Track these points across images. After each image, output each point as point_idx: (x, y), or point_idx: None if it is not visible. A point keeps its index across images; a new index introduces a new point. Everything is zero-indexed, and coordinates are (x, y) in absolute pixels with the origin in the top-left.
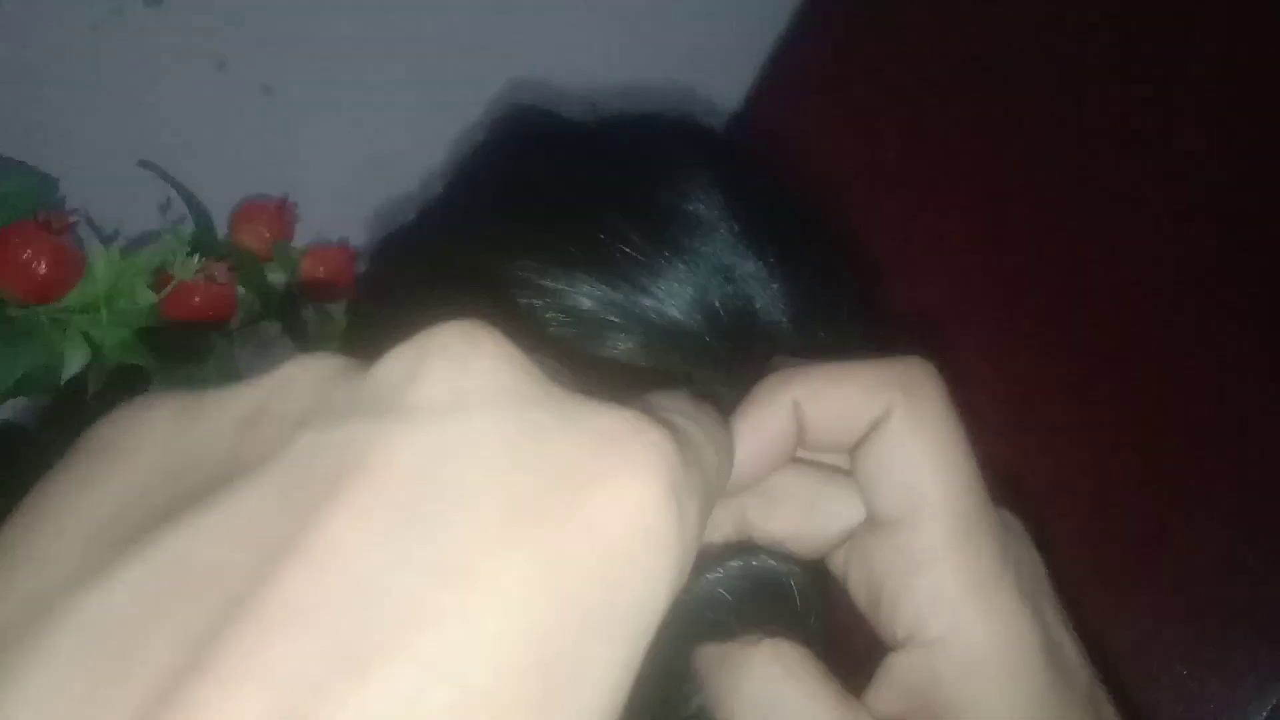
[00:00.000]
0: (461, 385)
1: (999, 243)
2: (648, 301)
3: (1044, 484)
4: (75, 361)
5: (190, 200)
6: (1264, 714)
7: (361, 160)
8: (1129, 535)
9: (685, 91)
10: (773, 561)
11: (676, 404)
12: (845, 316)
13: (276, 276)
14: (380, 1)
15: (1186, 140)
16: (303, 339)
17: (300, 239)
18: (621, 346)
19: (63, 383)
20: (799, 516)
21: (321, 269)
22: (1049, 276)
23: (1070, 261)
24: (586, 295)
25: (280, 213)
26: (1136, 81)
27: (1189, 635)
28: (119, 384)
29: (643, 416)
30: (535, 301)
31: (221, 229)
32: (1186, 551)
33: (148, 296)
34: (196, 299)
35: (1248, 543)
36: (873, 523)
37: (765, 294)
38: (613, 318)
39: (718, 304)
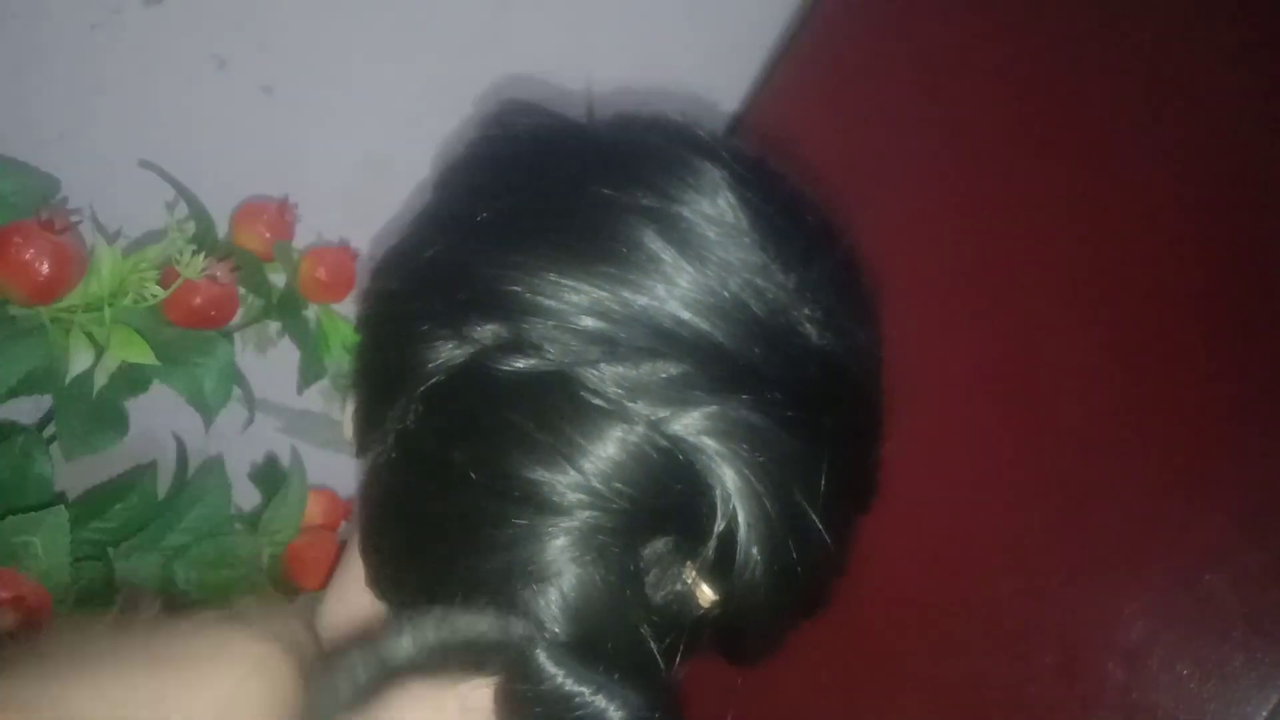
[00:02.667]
0: None
1: (1000, 241)
2: (666, 309)
3: (1043, 483)
4: (80, 360)
5: (191, 200)
6: (1264, 714)
7: (361, 160)
8: (1129, 535)
9: (685, 92)
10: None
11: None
12: (861, 319)
13: (277, 276)
14: (380, 2)
15: (1187, 140)
16: (303, 339)
17: (300, 239)
18: (646, 362)
19: (68, 381)
20: None
21: (321, 269)
22: (1050, 274)
23: (1071, 259)
24: (599, 308)
25: (280, 213)
26: (1138, 81)
27: (1189, 635)
28: (123, 383)
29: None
30: (543, 321)
31: (222, 229)
32: (1186, 552)
33: (155, 291)
34: (198, 299)
35: (1248, 543)
36: None
37: (791, 300)
38: (627, 330)
39: (745, 311)
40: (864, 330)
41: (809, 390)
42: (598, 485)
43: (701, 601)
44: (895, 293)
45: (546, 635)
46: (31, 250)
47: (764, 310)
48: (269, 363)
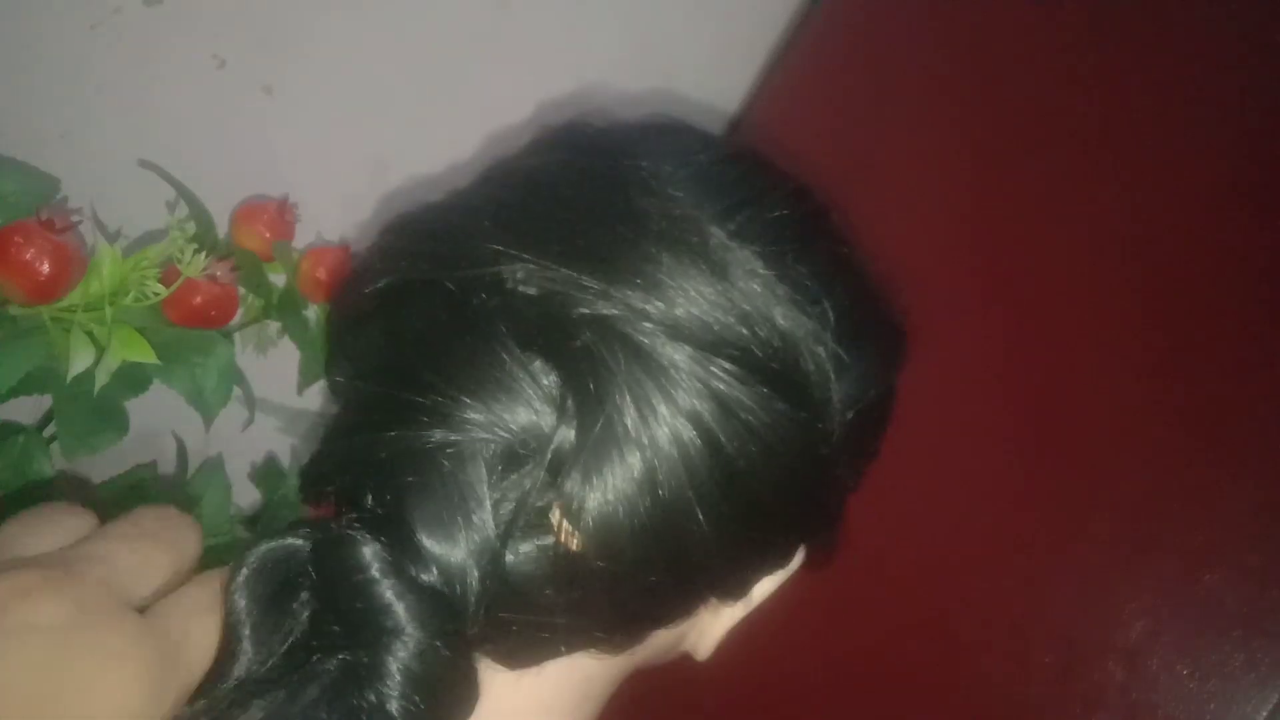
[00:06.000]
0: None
1: (1000, 240)
2: (623, 285)
3: (1043, 482)
4: (81, 360)
5: (191, 200)
6: (1264, 714)
7: (361, 160)
8: (1129, 535)
9: (685, 92)
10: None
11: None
12: (835, 301)
13: (277, 276)
14: (380, 3)
15: (1191, 139)
16: (303, 339)
17: (300, 239)
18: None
19: (68, 381)
20: None
21: (321, 269)
22: (1051, 273)
23: (1072, 258)
24: (564, 280)
25: (280, 213)
26: (1135, 83)
27: (1189, 635)
28: (123, 383)
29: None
30: (509, 276)
31: (221, 229)
32: (1186, 552)
33: (156, 289)
34: (198, 298)
35: (1248, 543)
36: None
37: (772, 293)
38: (584, 299)
39: (728, 306)
40: (857, 320)
41: (752, 361)
42: (471, 399)
43: (562, 537)
44: (895, 292)
45: (373, 533)
46: (32, 250)
47: (759, 302)
48: (269, 363)
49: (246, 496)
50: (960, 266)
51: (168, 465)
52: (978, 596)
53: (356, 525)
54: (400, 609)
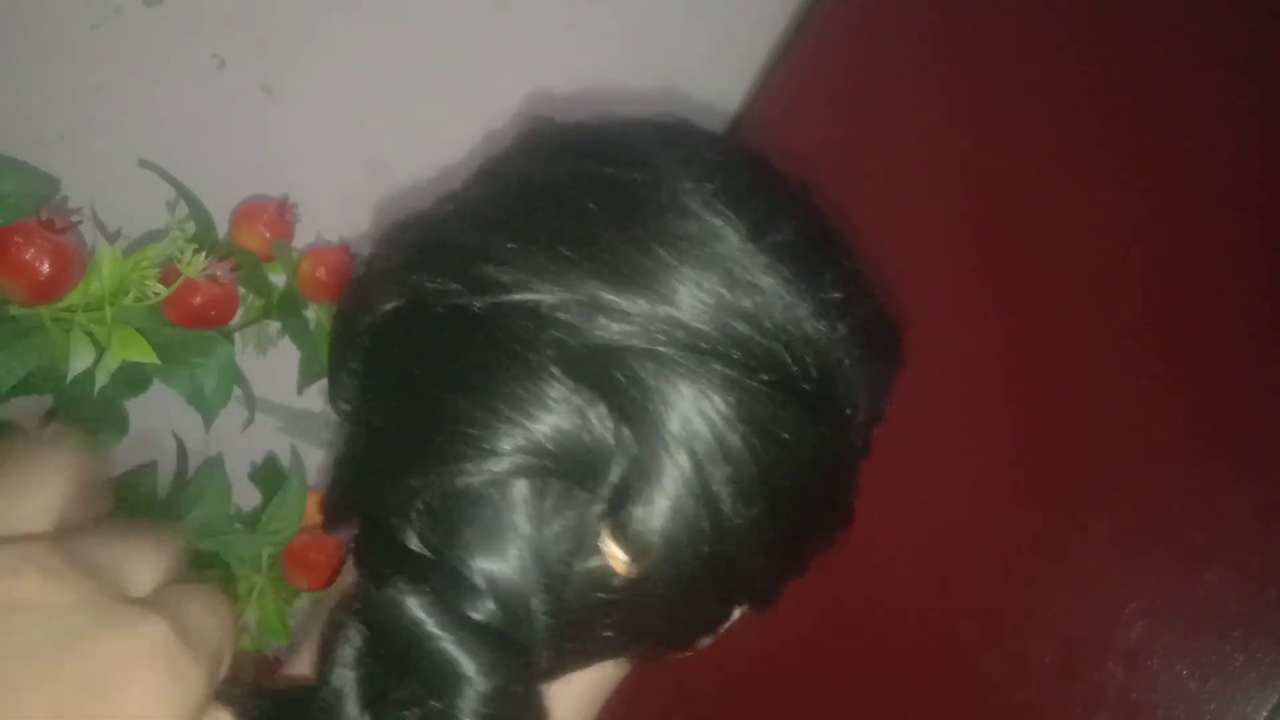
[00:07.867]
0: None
1: (1001, 239)
2: (663, 309)
3: (1043, 482)
4: (81, 360)
5: (191, 200)
6: (1264, 714)
7: (361, 160)
8: (1129, 535)
9: (686, 93)
10: None
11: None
12: (856, 316)
13: (277, 276)
14: (380, 3)
15: (1192, 137)
16: (303, 339)
17: (300, 239)
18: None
19: (69, 381)
20: None
21: (321, 269)
22: (1050, 272)
23: (1071, 258)
24: (602, 305)
25: (280, 213)
26: (1136, 82)
27: (1189, 635)
28: (123, 383)
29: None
30: (545, 301)
31: (222, 229)
32: (1186, 552)
33: (156, 289)
34: (198, 298)
35: (1248, 543)
36: None
37: (779, 298)
38: (626, 326)
39: (768, 329)
40: (861, 323)
41: (773, 372)
42: (518, 430)
43: (614, 565)
44: (895, 292)
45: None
46: (32, 250)
47: (764, 307)
48: (269, 363)
49: (246, 496)
50: (960, 266)
51: (168, 465)
52: (978, 596)
53: (398, 576)
54: (462, 655)
